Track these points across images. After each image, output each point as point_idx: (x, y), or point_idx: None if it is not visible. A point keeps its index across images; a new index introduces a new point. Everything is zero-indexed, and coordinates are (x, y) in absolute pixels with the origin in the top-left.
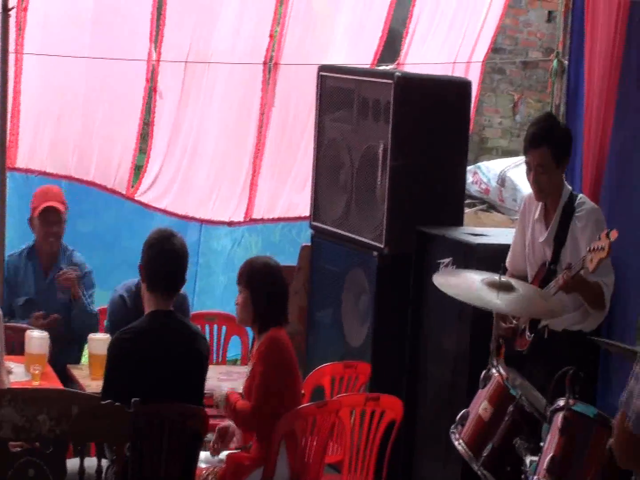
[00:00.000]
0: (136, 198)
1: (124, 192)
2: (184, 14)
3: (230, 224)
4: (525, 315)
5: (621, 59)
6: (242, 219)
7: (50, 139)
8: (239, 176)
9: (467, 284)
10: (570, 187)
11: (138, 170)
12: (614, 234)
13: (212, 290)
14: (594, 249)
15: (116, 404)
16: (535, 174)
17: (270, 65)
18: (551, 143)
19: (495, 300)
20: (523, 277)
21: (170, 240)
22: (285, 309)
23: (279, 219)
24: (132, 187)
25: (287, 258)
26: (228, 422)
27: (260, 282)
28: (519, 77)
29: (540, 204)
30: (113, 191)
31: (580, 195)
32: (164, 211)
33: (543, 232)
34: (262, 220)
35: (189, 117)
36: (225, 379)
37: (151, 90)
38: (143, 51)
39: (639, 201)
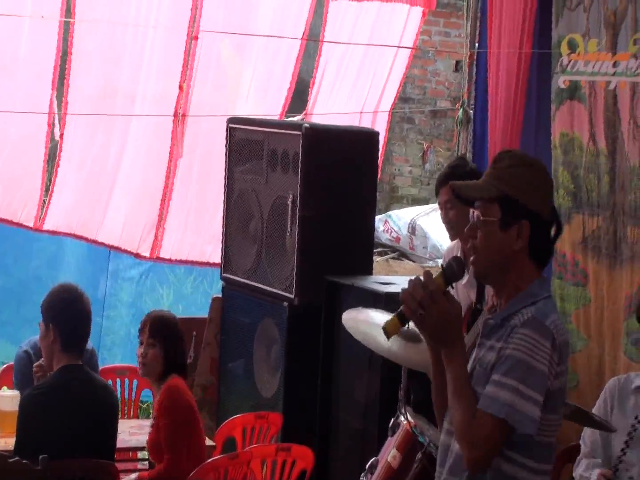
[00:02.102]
0: (44, 229)
1: (31, 226)
2: (91, 62)
3: (137, 255)
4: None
5: (523, 109)
6: (148, 254)
7: None
8: (148, 215)
9: (375, 331)
10: None
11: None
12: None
13: (123, 343)
14: None
15: (24, 461)
16: (445, 210)
17: (179, 117)
18: (456, 179)
19: (397, 350)
20: None
21: (81, 300)
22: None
23: (187, 262)
24: (39, 220)
25: (199, 310)
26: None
27: (172, 333)
28: (427, 126)
29: (458, 252)
30: (19, 225)
31: None
32: (73, 235)
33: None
34: (169, 260)
35: (97, 155)
36: (136, 433)
37: (53, 136)
38: (45, 99)
39: None
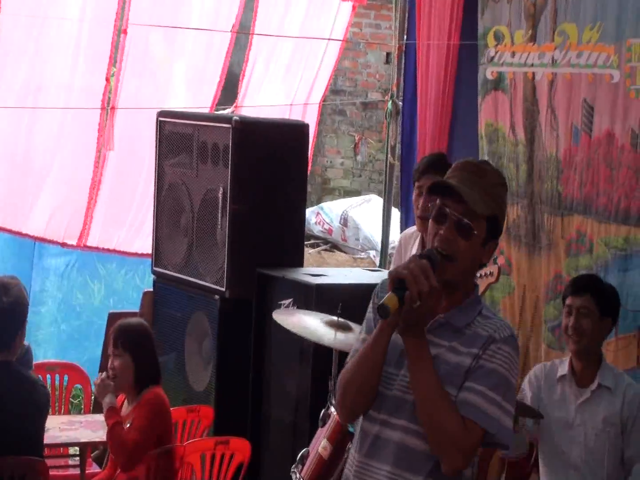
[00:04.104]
0: None
1: None
2: (18, 54)
3: (63, 244)
4: None
5: (452, 100)
6: (75, 243)
7: None
8: (76, 206)
9: (306, 322)
10: None
11: None
12: (500, 260)
13: (54, 340)
14: (482, 274)
15: None
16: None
17: (108, 110)
18: (444, 171)
19: (331, 337)
20: None
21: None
22: (159, 367)
23: (114, 251)
24: None
25: (131, 304)
26: None
27: (138, 340)
28: (359, 118)
29: (417, 240)
30: None
31: None
32: None
33: None
34: (97, 248)
35: (24, 147)
36: (67, 429)
37: None
38: None
39: None
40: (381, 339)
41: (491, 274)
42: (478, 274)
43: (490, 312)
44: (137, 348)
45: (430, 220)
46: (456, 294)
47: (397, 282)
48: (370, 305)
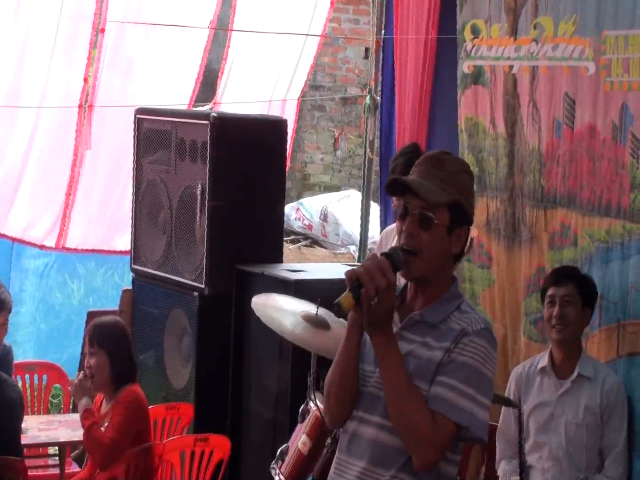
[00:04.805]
0: None
1: None
2: None
3: (42, 247)
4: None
5: (430, 95)
6: (53, 245)
7: None
8: (54, 206)
9: (282, 315)
10: None
11: None
12: (474, 232)
13: (33, 339)
14: None
15: None
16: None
17: (85, 108)
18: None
19: (304, 335)
20: None
21: None
22: (136, 364)
23: (93, 250)
24: None
25: (110, 302)
26: None
27: (116, 341)
28: (338, 114)
29: (395, 237)
30: None
31: None
32: None
33: None
34: (75, 250)
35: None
36: (46, 429)
37: None
38: None
39: None
40: (350, 340)
41: None
42: None
43: (470, 307)
44: (113, 346)
45: (397, 220)
46: (431, 290)
47: (354, 281)
48: None
